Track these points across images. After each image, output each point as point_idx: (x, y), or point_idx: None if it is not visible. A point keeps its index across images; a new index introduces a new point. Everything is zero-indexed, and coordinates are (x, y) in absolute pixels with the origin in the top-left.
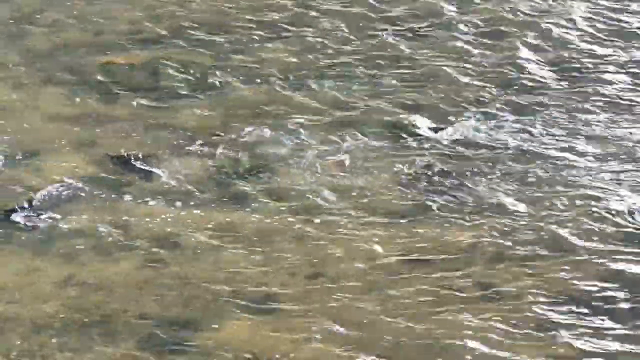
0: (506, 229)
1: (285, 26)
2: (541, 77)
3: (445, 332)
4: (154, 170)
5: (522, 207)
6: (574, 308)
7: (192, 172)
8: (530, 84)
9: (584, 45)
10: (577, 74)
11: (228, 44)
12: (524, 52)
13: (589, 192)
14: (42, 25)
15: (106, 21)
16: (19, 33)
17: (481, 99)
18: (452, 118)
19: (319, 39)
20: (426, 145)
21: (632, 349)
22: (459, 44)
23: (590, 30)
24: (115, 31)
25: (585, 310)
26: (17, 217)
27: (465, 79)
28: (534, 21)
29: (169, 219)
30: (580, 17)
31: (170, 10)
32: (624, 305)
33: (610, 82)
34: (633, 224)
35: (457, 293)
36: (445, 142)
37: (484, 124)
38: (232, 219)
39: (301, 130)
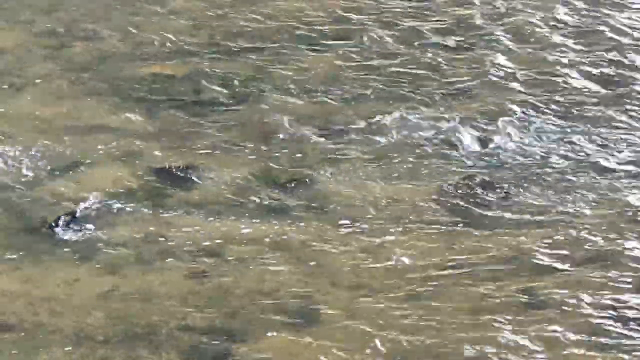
0: (549, 239)
1: (325, 37)
2: (583, 85)
3: (488, 343)
4: (195, 181)
5: (565, 217)
6: (619, 318)
7: (234, 183)
8: (572, 92)
9: (627, 54)
10: (620, 81)
11: (268, 55)
12: (565, 60)
13: (634, 201)
14: (82, 37)
15: (146, 32)
16: (59, 45)
17: (523, 109)
18: (494, 128)
19: (359, 51)
20: (468, 156)
21: None
22: (500, 54)
23: (634, 39)
24: (155, 42)
25: (631, 321)
26: (60, 229)
27: (507, 90)
28: (573, 30)
29: (211, 230)
30: (623, 25)
31: (210, 21)
32: None
33: None
34: None
35: (501, 303)
36: (487, 153)
37: (527, 134)
38: (274, 230)
39: (344, 137)
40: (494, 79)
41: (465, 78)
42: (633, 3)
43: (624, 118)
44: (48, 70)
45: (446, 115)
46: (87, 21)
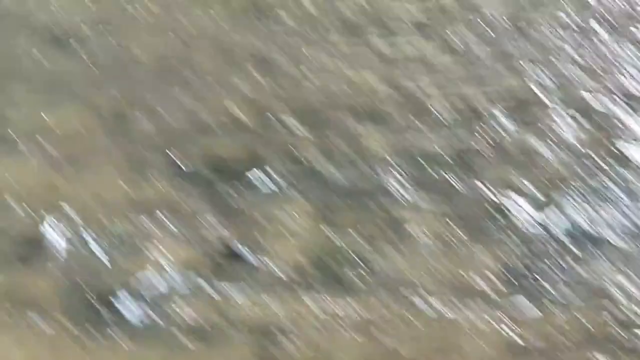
0: (606, 314)
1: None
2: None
3: None
4: (258, 257)
5: (628, 291)
6: None
7: (293, 258)
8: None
9: None
10: None
11: (326, 131)
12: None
13: None
14: (142, 112)
15: (206, 110)
16: (119, 119)
17: (580, 177)
18: (550, 198)
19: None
20: (524, 226)
21: None
22: (556, 122)
23: None
24: (214, 119)
25: None
26: (117, 305)
27: (559, 157)
28: None
29: (273, 308)
30: None
31: (263, 95)
32: None
33: None
34: None
35: None
36: (544, 224)
37: (585, 203)
38: (336, 306)
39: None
40: (551, 146)
41: (522, 144)
42: None
43: None
44: (108, 147)
45: (501, 184)
46: (146, 96)
